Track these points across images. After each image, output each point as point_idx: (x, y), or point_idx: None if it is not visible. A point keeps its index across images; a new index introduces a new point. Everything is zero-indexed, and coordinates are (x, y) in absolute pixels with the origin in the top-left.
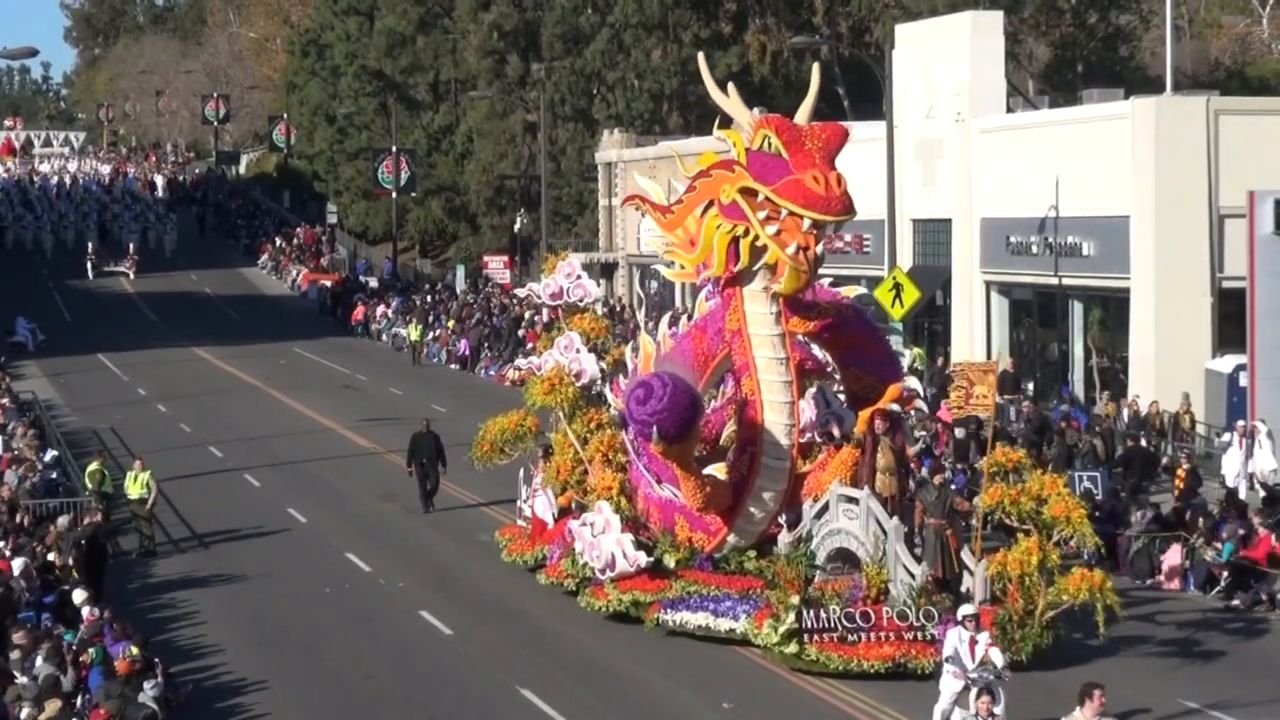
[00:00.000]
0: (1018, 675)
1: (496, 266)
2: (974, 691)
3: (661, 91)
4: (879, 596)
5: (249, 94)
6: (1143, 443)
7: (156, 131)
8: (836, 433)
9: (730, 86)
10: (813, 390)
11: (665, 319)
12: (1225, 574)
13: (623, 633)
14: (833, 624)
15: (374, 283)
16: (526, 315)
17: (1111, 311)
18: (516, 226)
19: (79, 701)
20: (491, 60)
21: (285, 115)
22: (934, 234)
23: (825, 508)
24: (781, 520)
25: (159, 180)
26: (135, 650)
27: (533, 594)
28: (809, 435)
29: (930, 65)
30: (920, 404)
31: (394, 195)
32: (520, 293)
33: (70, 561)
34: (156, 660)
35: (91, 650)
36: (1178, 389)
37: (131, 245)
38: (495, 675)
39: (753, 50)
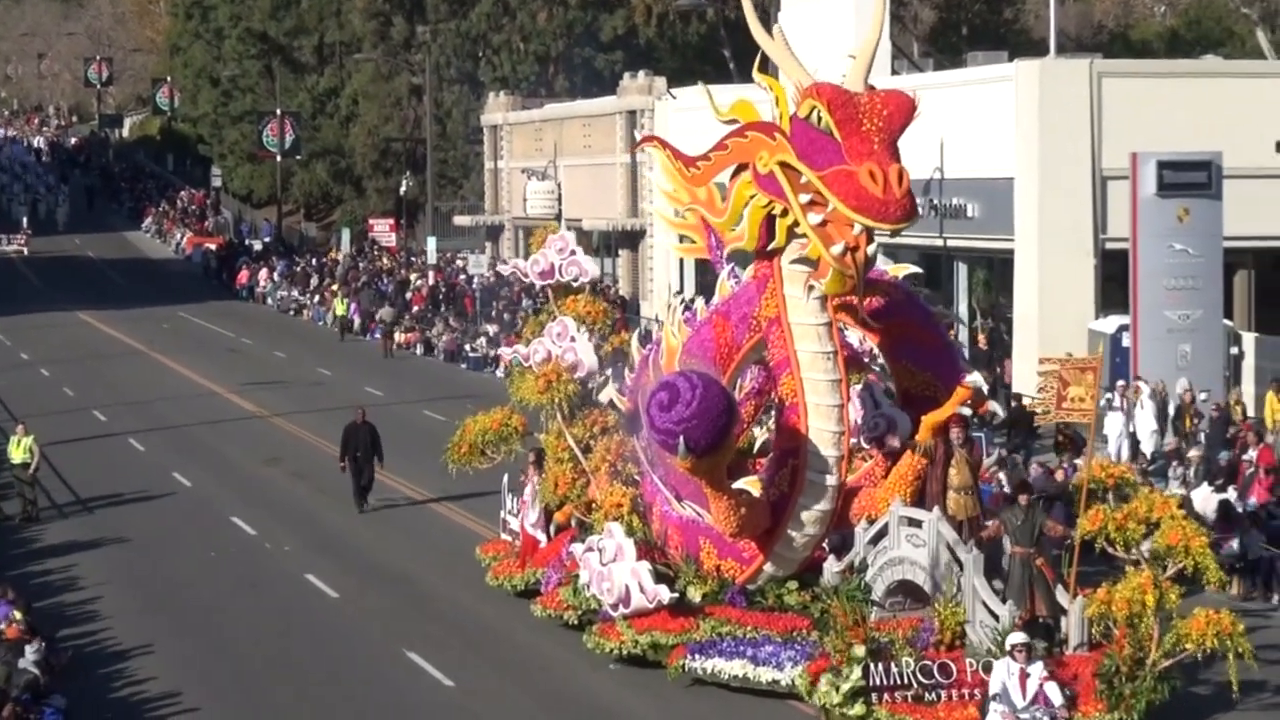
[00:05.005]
0: None
1: (382, 229)
2: None
3: (547, 54)
4: (954, 641)
5: (132, 57)
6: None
7: (39, 95)
8: (895, 442)
9: (777, 30)
10: (858, 388)
11: (677, 305)
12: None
13: (505, 597)
14: (905, 679)
15: (258, 246)
16: (413, 279)
17: (996, 273)
18: (402, 189)
19: None
20: (376, 23)
21: (169, 78)
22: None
23: (883, 531)
24: (825, 545)
25: (38, 142)
26: (19, 615)
27: (418, 558)
28: (853, 440)
29: (816, 27)
30: (995, 406)
31: (279, 158)
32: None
33: None
34: (34, 625)
35: None
36: (1061, 349)
37: (24, 220)
38: (381, 637)
39: (639, 12)
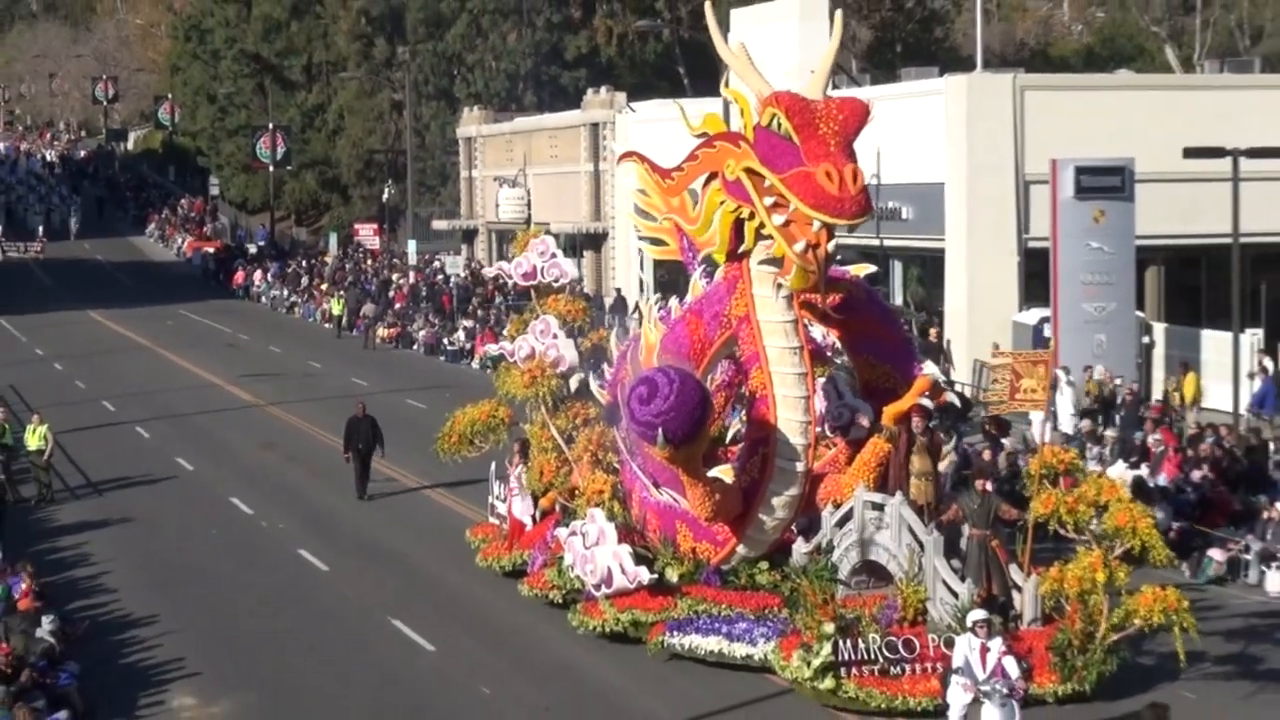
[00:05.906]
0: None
1: (366, 234)
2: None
3: (517, 71)
4: (917, 618)
5: (136, 76)
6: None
7: (50, 111)
8: (865, 423)
9: (741, 45)
10: (822, 379)
11: (651, 303)
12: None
13: (493, 577)
14: (872, 655)
15: (254, 249)
16: (395, 278)
17: (928, 270)
18: (385, 197)
19: None
20: (360, 43)
21: (170, 95)
22: None
23: (848, 515)
24: (794, 528)
25: (50, 155)
26: (24, 585)
27: (408, 539)
28: (818, 429)
29: (763, 47)
30: (952, 397)
31: (271, 169)
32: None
33: None
34: (47, 597)
35: None
36: (988, 340)
37: (40, 229)
38: (368, 608)
39: (600, 33)
